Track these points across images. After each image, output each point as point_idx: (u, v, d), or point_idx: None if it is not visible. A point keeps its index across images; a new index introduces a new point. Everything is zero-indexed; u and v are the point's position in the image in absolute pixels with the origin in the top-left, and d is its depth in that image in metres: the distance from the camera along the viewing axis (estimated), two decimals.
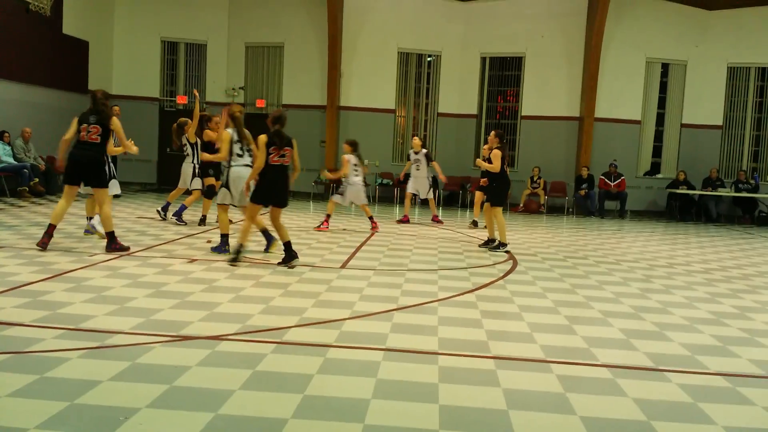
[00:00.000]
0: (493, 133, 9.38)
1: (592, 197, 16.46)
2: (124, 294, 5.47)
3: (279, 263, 7.16)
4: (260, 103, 18.20)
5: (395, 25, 17.89)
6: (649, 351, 4.56)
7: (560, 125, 17.67)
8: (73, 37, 16.13)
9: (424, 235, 10.62)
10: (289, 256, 7.14)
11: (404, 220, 12.66)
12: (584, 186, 16.49)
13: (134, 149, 8.20)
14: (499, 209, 9.14)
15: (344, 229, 10.87)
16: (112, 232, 7.47)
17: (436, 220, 12.83)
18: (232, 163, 7.58)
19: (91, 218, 8.74)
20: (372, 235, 10.27)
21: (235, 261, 7.03)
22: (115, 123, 7.59)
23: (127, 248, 7.52)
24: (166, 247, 8.04)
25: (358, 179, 10.89)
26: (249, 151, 7.67)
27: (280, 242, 7.27)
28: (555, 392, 3.68)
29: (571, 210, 16.98)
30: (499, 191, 9.23)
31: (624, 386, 3.82)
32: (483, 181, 10.63)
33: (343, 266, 7.32)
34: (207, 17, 18.19)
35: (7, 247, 7.34)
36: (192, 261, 7.16)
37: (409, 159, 13.01)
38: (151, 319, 4.77)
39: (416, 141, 12.73)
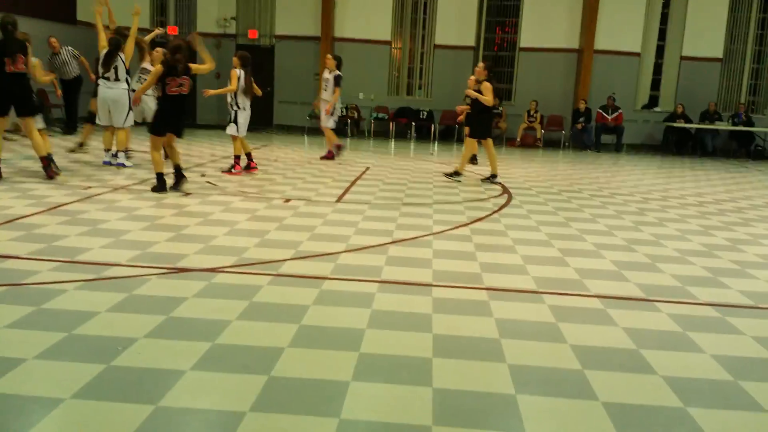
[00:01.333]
0: (481, 64, 9.24)
1: (589, 131, 16.35)
2: (119, 227, 5.48)
3: (169, 188, 7.26)
4: (252, 34, 17.79)
5: None
6: (641, 282, 4.62)
7: (559, 57, 17.36)
8: None
9: (419, 169, 10.58)
10: (179, 180, 7.31)
11: (327, 156, 11.14)
12: (581, 119, 16.35)
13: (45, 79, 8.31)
14: (485, 141, 9.30)
15: (339, 164, 10.81)
16: (47, 156, 7.61)
17: (327, 156, 11.10)
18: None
19: (109, 150, 8.79)
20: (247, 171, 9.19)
21: (158, 190, 7.16)
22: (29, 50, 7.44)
23: (55, 173, 7.64)
24: None
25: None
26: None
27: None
28: (546, 322, 3.74)
29: (567, 144, 16.89)
30: (487, 123, 9.32)
31: (614, 316, 3.88)
32: (460, 116, 10.27)
33: (338, 200, 7.32)
34: None
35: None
36: (186, 195, 7.14)
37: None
38: (146, 251, 4.78)
39: (329, 60, 10.94)
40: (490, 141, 9.34)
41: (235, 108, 8.81)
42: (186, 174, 7.52)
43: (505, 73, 18.00)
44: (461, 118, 10.67)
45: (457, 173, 9.54)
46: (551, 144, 16.95)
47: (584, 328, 3.67)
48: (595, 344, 3.45)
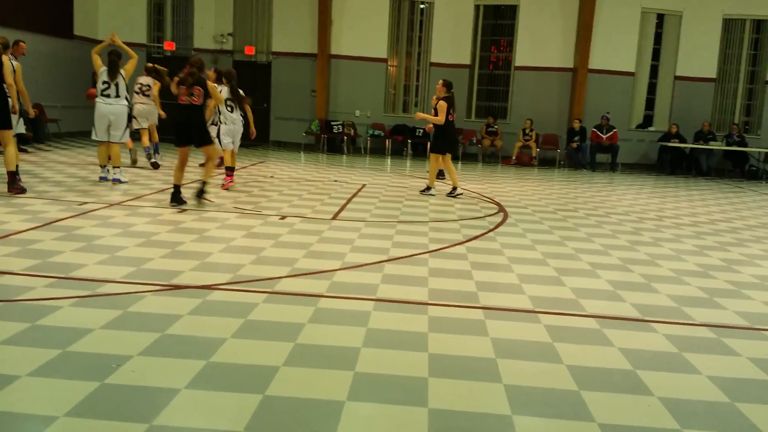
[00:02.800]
0: (441, 81, 9.58)
1: (583, 150, 16.43)
2: (114, 243, 5.46)
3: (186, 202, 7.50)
4: (249, 50, 17.87)
5: None
6: (637, 302, 4.62)
7: (553, 76, 17.49)
8: None
9: (415, 187, 10.60)
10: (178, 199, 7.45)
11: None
12: (576, 138, 16.44)
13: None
14: (443, 156, 9.53)
15: (335, 181, 10.83)
16: (12, 172, 7.46)
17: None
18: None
19: (104, 166, 8.80)
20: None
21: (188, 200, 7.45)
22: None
23: (25, 190, 7.53)
24: (156, 196, 8.00)
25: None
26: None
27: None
28: (543, 342, 3.73)
29: (562, 163, 16.97)
30: (441, 140, 9.50)
31: (610, 336, 3.88)
32: (428, 127, 10.33)
33: (334, 217, 7.32)
34: None
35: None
36: (182, 211, 7.13)
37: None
38: (141, 268, 4.77)
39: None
40: (447, 156, 9.58)
41: (218, 123, 8.95)
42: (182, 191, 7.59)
43: (501, 91, 18.11)
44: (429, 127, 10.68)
45: (428, 188, 9.76)
46: (546, 162, 17.02)
47: (580, 348, 3.67)
48: (592, 365, 3.45)
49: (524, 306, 4.40)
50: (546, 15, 17.26)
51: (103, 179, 8.88)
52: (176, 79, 7.34)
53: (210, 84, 7.66)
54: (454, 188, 9.56)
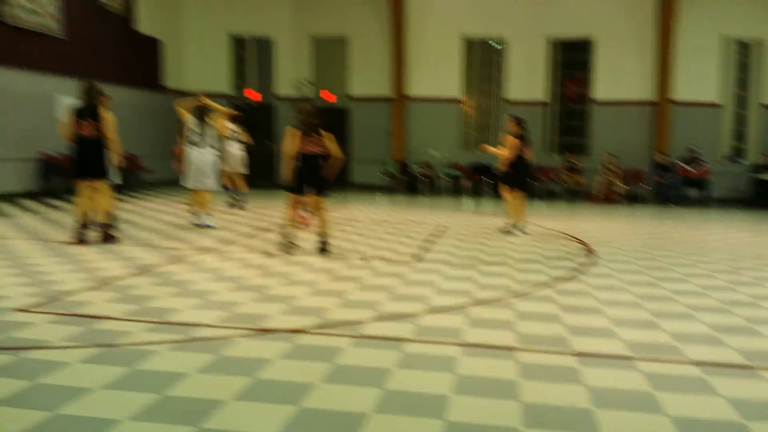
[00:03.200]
0: (511, 118, 9.58)
1: (671, 184, 15.87)
2: (207, 287, 5.64)
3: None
4: (328, 96, 18.37)
5: (459, 11, 17.71)
6: (741, 347, 4.36)
7: (634, 110, 17.09)
8: (146, 35, 16.67)
9: (495, 227, 10.48)
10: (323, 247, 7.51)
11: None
12: (662, 173, 15.91)
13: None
14: (515, 192, 9.50)
15: (415, 222, 10.85)
16: (107, 224, 7.75)
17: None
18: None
19: (196, 213, 9.19)
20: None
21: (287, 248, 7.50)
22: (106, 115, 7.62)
23: (114, 237, 7.76)
24: (245, 241, 8.24)
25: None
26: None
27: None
28: (642, 390, 3.56)
29: (648, 198, 16.43)
30: (512, 176, 9.48)
31: (715, 384, 3.66)
32: (500, 166, 10.12)
33: (416, 259, 7.32)
34: (273, 11, 18.50)
35: (95, 243, 7.67)
36: (270, 255, 7.30)
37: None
38: (233, 312, 4.89)
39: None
40: (517, 193, 9.50)
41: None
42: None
43: (579, 126, 17.82)
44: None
45: (513, 227, 9.61)
46: (631, 198, 16.53)
47: (683, 398, 3.48)
48: (697, 416, 3.26)
49: (619, 352, 4.22)
50: (622, 48, 16.99)
51: (196, 225, 9.22)
52: (293, 129, 7.42)
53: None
54: (514, 225, 9.56)
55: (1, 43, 12.13)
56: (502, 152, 9.38)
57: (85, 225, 7.63)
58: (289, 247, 7.51)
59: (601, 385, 3.62)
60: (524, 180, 9.68)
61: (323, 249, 7.46)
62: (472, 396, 3.44)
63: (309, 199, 7.59)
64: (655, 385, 3.62)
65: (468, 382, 3.62)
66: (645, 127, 17.07)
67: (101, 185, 7.70)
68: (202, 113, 9.08)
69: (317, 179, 7.44)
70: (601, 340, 4.47)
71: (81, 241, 7.51)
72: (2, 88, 12.32)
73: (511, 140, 9.26)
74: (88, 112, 7.51)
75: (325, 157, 7.41)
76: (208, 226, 9.11)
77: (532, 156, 9.87)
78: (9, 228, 8.75)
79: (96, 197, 7.69)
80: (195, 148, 9.05)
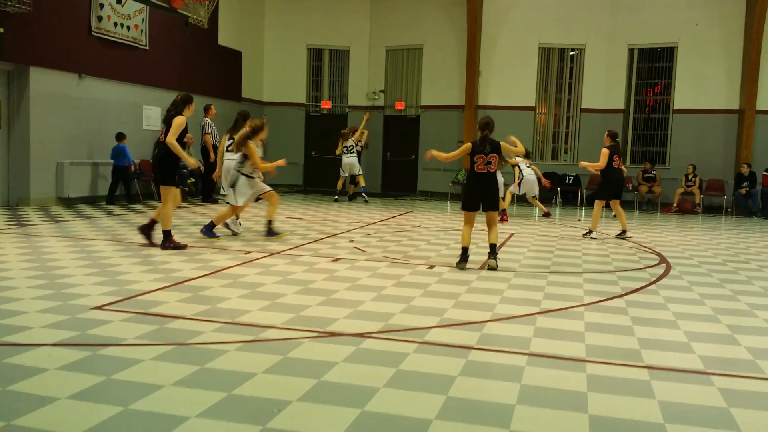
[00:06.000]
0: (606, 132, 10.25)
1: (754, 196, 15.14)
2: (275, 290, 5.76)
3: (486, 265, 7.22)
4: (399, 105, 18.49)
5: (537, 20, 17.48)
6: None
7: (717, 119, 16.41)
8: (228, 48, 17.23)
9: (566, 236, 10.27)
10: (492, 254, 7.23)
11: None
12: (745, 184, 15.21)
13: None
14: (612, 201, 10.18)
15: (483, 230, 10.74)
16: (168, 231, 7.64)
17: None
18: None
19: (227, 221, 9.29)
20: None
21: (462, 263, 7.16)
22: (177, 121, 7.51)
23: (184, 246, 7.71)
24: (312, 245, 8.37)
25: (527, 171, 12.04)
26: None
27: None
28: (717, 406, 3.41)
29: (730, 210, 15.72)
30: (604, 186, 10.13)
31: None
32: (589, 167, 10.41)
33: (483, 267, 7.24)
34: (350, 23, 18.79)
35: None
36: (336, 260, 7.39)
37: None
38: (300, 314, 4.97)
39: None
40: (615, 201, 10.19)
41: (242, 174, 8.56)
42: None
43: (658, 135, 17.26)
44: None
45: (590, 232, 10.22)
46: (711, 210, 15.85)
47: (761, 416, 3.30)
48: None
49: (694, 366, 4.05)
50: (707, 56, 16.36)
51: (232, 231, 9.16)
52: (468, 145, 7.22)
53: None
54: (624, 231, 10.17)
55: (92, 55, 12.79)
56: (595, 165, 10.03)
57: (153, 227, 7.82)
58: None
59: (673, 400, 3.48)
60: (616, 189, 10.14)
61: (493, 255, 7.18)
62: (538, 406, 3.37)
63: (471, 215, 7.29)
64: (731, 402, 3.46)
65: (534, 392, 3.55)
66: (729, 137, 16.36)
67: (168, 191, 7.66)
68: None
69: (486, 197, 7.22)
70: (675, 354, 4.30)
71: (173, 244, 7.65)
72: (93, 97, 12.99)
73: (603, 151, 9.86)
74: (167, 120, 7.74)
75: (494, 174, 7.24)
76: (234, 233, 9.02)
77: (623, 166, 10.25)
78: (90, 229, 9.19)
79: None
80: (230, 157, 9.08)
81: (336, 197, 15.61)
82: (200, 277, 6.23)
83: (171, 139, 7.45)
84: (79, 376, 3.57)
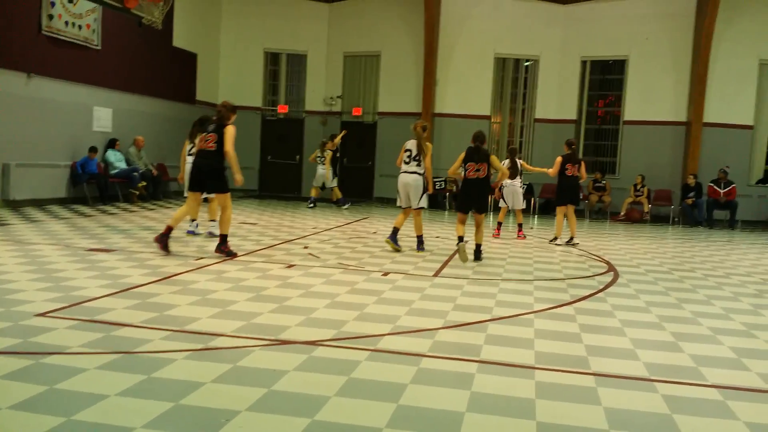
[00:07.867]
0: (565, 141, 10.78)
1: (699, 206, 15.64)
2: (226, 297, 5.68)
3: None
4: (356, 111, 18.50)
5: (493, 30, 17.74)
6: (763, 372, 4.26)
7: (665, 130, 16.91)
8: (183, 50, 16.98)
9: (519, 243, 10.41)
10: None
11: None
12: (691, 194, 15.69)
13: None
14: (559, 208, 10.63)
15: (437, 237, 10.83)
16: (226, 236, 7.77)
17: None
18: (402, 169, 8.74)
19: (194, 221, 9.27)
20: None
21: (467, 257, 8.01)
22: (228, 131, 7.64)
23: (234, 254, 7.78)
24: (265, 251, 8.30)
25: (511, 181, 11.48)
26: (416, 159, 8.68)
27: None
28: (660, 413, 3.50)
29: (677, 219, 16.19)
30: (558, 193, 10.62)
31: (735, 409, 3.58)
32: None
33: (436, 275, 7.30)
34: (308, 28, 18.74)
35: (119, 250, 7.80)
36: (290, 266, 7.34)
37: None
38: (251, 322, 4.92)
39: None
40: (570, 207, 10.51)
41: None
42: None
43: (609, 146, 17.69)
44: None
45: (555, 238, 10.72)
46: (659, 219, 16.30)
47: (702, 422, 3.40)
48: None
49: (639, 373, 4.15)
50: (656, 69, 16.85)
51: (190, 233, 9.28)
52: (462, 155, 8.30)
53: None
54: (572, 238, 10.54)
55: (41, 54, 12.44)
56: (542, 170, 10.97)
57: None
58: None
59: (619, 407, 3.56)
60: (569, 196, 10.49)
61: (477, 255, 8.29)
62: (487, 413, 3.40)
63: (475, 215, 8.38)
64: (674, 408, 3.56)
65: (483, 399, 3.59)
66: (676, 148, 16.87)
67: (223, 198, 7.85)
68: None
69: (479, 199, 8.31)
70: (621, 361, 4.40)
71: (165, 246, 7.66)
72: (42, 97, 12.63)
73: (557, 159, 10.43)
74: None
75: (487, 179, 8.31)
76: (212, 234, 9.09)
77: (578, 173, 10.48)
78: (36, 233, 8.93)
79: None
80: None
81: (311, 204, 15.46)
82: (149, 283, 6.11)
83: (231, 150, 7.56)
84: (20, 386, 3.46)
